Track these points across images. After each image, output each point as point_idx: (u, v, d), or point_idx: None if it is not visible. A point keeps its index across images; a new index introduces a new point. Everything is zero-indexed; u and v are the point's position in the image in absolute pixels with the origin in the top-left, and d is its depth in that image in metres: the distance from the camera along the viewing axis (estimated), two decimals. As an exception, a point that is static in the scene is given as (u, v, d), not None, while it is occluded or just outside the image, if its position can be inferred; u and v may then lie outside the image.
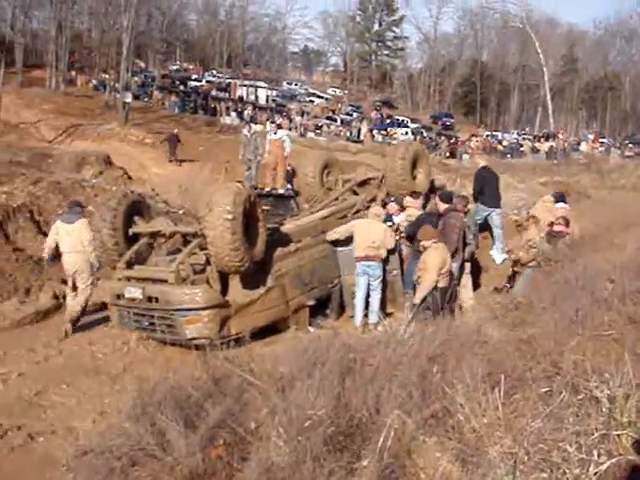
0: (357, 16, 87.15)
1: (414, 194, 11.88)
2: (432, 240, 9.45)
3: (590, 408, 3.90)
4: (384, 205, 11.81)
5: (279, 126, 18.70)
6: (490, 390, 4.10)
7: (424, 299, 9.21)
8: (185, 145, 33.40)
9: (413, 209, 11.53)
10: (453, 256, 10.15)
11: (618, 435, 3.66)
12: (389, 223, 11.22)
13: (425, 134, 53.76)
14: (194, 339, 8.97)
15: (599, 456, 3.52)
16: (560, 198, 12.50)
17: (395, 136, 48.87)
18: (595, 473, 3.44)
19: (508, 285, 11.40)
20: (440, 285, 9.35)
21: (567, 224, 11.08)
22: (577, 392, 4.09)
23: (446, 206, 10.64)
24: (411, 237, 10.58)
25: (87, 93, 51.01)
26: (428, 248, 9.46)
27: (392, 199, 11.85)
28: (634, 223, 14.48)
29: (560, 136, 52.37)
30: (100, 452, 4.34)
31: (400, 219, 11.53)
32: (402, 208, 11.75)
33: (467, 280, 10.88)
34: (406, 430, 3.89)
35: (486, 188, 13.39)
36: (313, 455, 3.70)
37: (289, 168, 17.93)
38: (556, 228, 10.86)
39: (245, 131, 19.74)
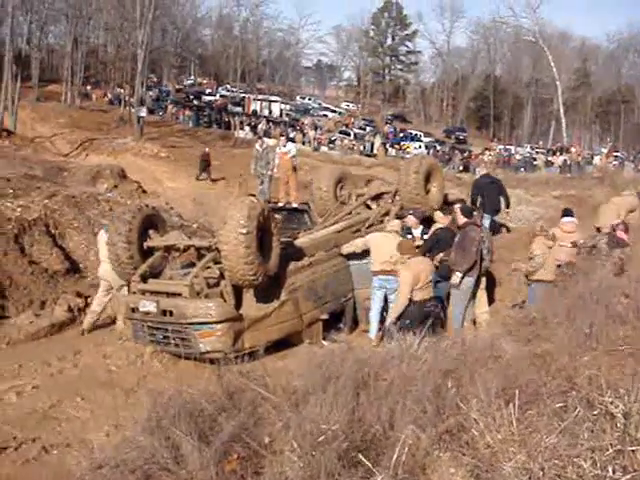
0: (370, 31, 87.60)
1: (444, 210, 11.90)
2: (407, 255, 9.67)
3: (605, 424, 3.88)
4: (401, 217, 11.76)
5: (289, 139, 18.80)
6: (504, 405, 4.08)
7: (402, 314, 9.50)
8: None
9: (440, 224, 11.52)
10: (471, 269, 10.14)
11: (633, 451, 3.63)
12: (409, 236, 11.18)
13: (438, 148, 53.87)
14: (208, 353, 8.96)
15: (614, 472, 3.50)
16: (567, 212, 12.49)
17: (408, 150, 48.94)
18: (610, 489, 3.43)
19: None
20: (416, 298, 9.53)
21: (627, 230, 11.26)
22: (592, 407, 4.07)
23: (466, 220, 10.61)
24: (428, 251, 10.61)
25: (102, 107, 51.45)
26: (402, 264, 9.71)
27: (410, 212, 11.79)
28: (649, 237, 14.42)
29: (573, 150, 52.26)
30: (114, 465, 4.35)
31: (419, 232, 11.51)
32: (421, 221, 11.74)
33: (482, 295, 10.82)
34: (420, 445, 3.88)
35: (485, 195, 14.12)
36: (327, 470, 3.70)
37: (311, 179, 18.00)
38: (619, 235, 10.89)
39: (257, 145, 19.79)
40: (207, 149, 33.59)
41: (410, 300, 9.54)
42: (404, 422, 4.07)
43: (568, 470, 3.55)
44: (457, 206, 11.34)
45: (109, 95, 57.11)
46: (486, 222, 13.33)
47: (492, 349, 5.43)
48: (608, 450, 3.63)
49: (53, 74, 63.89)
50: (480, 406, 4.12)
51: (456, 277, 10.10)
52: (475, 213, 11.28)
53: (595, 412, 4.01)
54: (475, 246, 10.12)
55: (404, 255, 9.74)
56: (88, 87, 59.19)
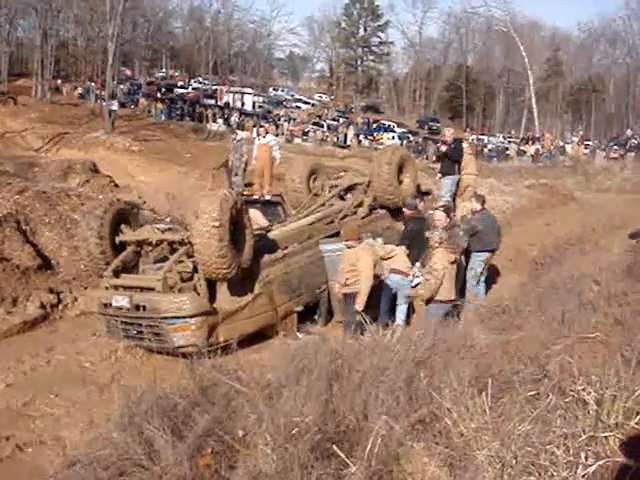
0: (342, 22, 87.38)
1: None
2: (356, 240, 9.42)
3: (577, 410, 3.90)
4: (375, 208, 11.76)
5: (268, 131, 18.66)
6: (477, 394, 4.10)
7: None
8: (172, 152, 33.30)
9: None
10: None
11: (606, 437, 3.66)
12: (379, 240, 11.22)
13: (411, 138, 53.86)
14: (182, 347, 8.93)
15: (587, 458, 3.52)
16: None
17: (382, 141, 48.94)
18: (583, 475, 3.43)
19: None
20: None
21: None
22: (564, 395, 4.09)
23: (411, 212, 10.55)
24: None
25: (73, 101, 50.88)
26: (356, 248, 9.42)
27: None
28: (619, 225, 14.59)
29: (547, 135, 52.53)
30: (88, 462, 4.32)
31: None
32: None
33: None
34: (394, 436, 3.89)
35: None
36: (301, 462, 3.69)
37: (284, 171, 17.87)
38: None
39: (233, 137, 19.68)
40: None
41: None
42: (377, 413, 4.08)
43: (541, 457, 3.57)
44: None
45: (80, 89, 56.45)
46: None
47: (464, 338, 5.46)
48: (581, 437, 3.65)
49: (23, 68, 63.17)
50: (453, 395, 4.13)
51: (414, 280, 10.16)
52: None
53: (567, 399, 4.03)
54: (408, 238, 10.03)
55: (347, 241, 9.52)
56: (59, 81, 58.52)
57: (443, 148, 13.96)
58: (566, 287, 6.79)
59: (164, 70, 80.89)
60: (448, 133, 15.02)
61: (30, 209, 14.45)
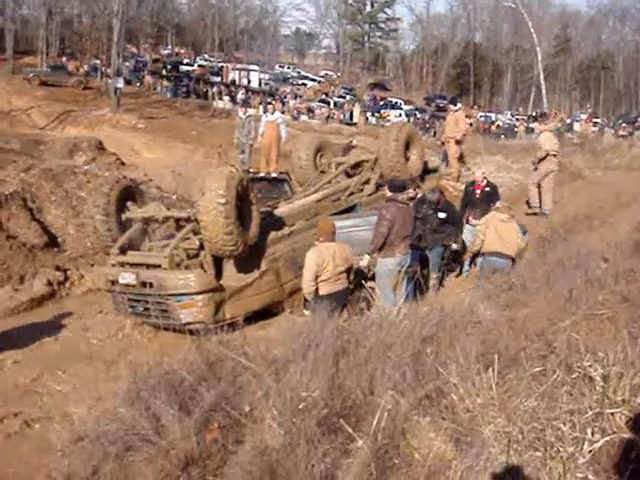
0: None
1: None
2: (321, 238, 8.68)
3: (584, 387, 3.90)
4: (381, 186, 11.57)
5: (276, 108, 18.62)
6: (484, 370, 4.09)
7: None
8: (178, 130, 33.23)
9: None
10: (380, 249, 9.28)
11: (612, 413, 3.66)
12: None
13: (419, 116, 53.61)
14: (189, 324, 8.94)
15: (593, 434, 3.53)
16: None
17: (388, 118, 48.71)
18: (589, 451, 3.44)
19: None
20: (322, 292, 8.51)
21: None
22: (571, 371, 4.08)
23: (390, 194, 9.62)
24: None
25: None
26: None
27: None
28: (627, 202, 14.53)
29: (556, 112, 52.23)
30: (95, 437, 4.34)
31: None
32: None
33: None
34: (400, 411, 3.89)
35: None
36: (307, 437, 3.70)
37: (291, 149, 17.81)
38: None
39: (240, 113, 19.57)
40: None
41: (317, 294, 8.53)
42: (384, 388, 4.08)
43: (547, 433, 3.57)
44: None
45: (85, 67, 56.16)
46: None
47: (471, 314, 5.45)
48: (587, 413, 3.65)
49: (28, 46, 62.94)
50: (459, 371, 4.13)
51: (363, 260, 9.31)
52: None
53: (574, 376, 4.03)
54: (385, 226, 9.13)
55: (319, 238, 8.78)
56: (64, 59, 58.33)
57: (478, 192, 11.89)
58: (573, 264, 6.76)
59: (170, 47, 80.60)
60: (479, 173, 12.49)
61: (36, 187, 14.49)
